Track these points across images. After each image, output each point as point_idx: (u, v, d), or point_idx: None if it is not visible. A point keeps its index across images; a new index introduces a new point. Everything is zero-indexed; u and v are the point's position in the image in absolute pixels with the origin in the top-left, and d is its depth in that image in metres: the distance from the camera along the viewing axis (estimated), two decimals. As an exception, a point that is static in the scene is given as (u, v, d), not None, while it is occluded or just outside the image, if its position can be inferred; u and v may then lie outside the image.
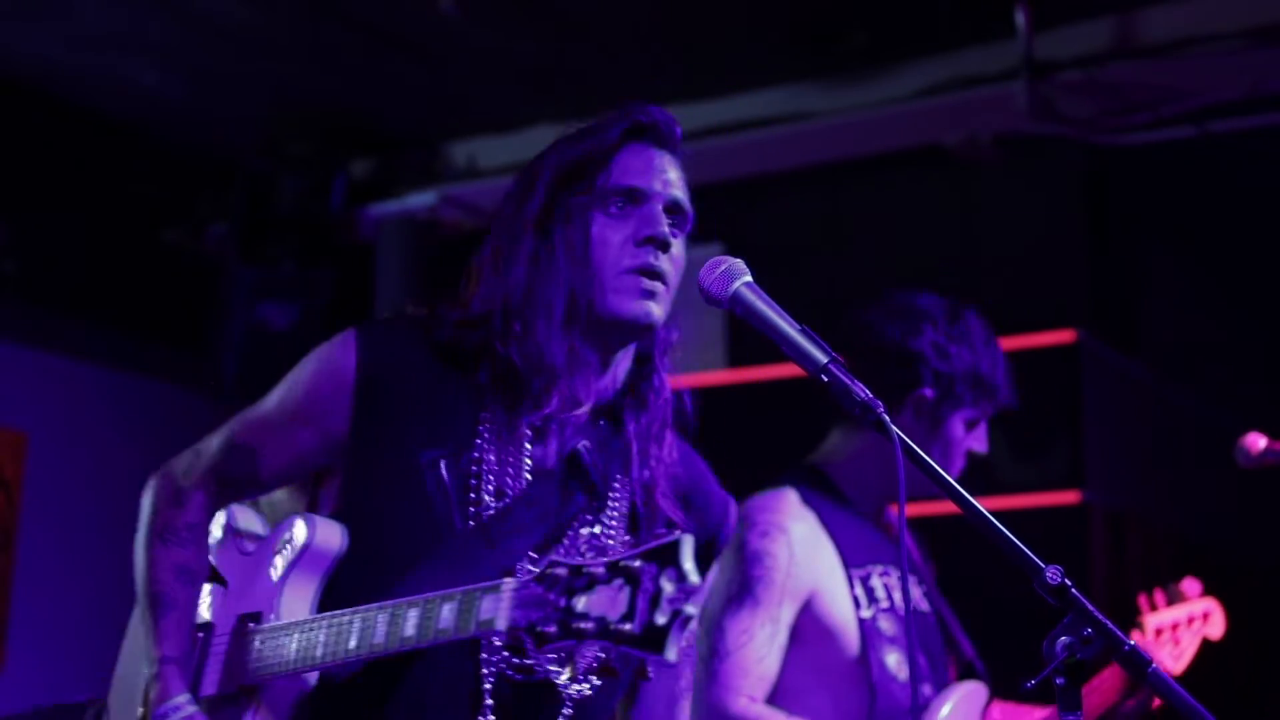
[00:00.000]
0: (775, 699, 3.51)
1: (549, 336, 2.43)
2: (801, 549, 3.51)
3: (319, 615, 2.36)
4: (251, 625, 2.46)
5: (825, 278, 6.24)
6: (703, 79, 6.31)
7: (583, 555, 2.02)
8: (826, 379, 2.26)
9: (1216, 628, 3.87)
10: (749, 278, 2.35)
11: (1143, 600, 3.82)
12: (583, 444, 2.46)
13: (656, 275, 2.44)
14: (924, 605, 3.79)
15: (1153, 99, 5.82)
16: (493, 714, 2.35)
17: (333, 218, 6.95)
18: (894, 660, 3.57)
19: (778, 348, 2.31)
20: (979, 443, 3.71)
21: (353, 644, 2.26)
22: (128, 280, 7.00)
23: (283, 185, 6.90)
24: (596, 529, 2.46)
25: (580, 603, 1.93)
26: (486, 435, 2.45)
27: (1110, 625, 2.08)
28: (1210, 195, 6.64)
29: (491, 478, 2.43)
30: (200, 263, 7.08)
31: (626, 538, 2.48)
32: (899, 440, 2.24)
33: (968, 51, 6.02)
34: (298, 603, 2.44)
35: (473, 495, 2.42)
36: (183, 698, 2.42)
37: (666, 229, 2.47)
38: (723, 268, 2.36)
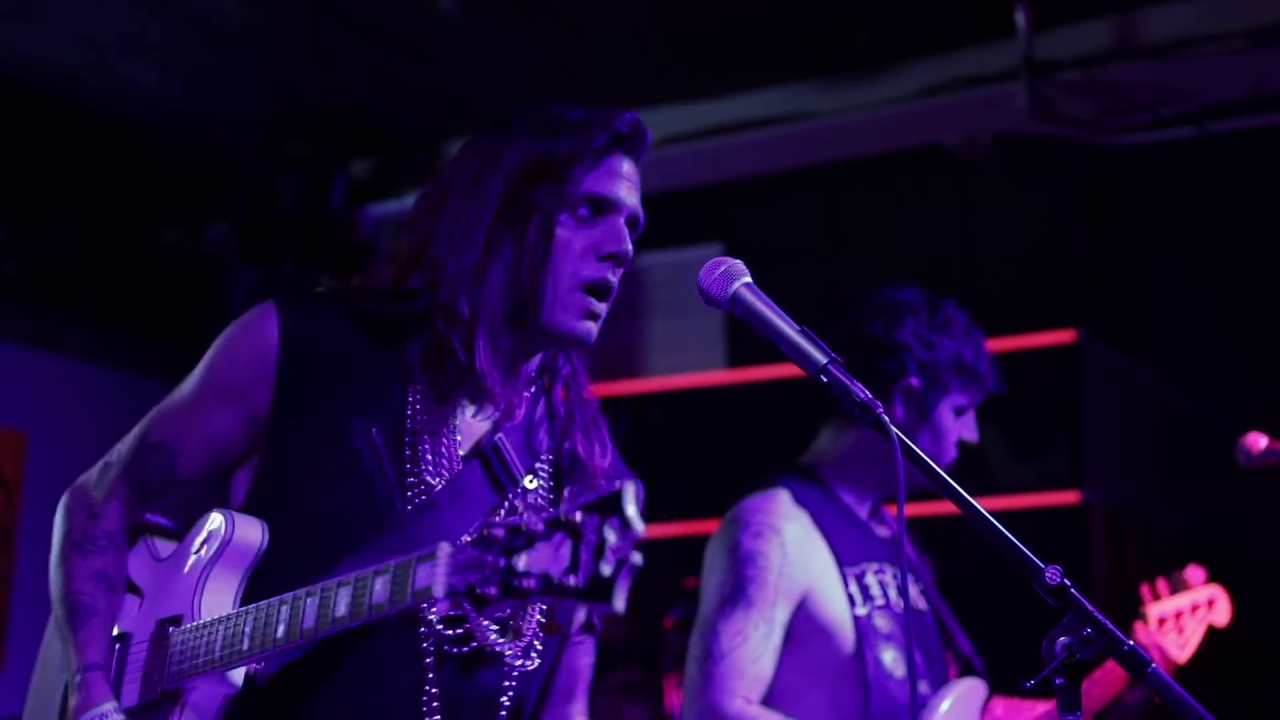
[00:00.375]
0: (770, 700, 3.51)
1: (488, 330, 2.38)
2: (794, 548, 3.52)
3: (243, 609, 2.29)
4: (171, 629, 2.38)
5: (825, 278, 6.24)
6: (703, 79, 6.31)
7: (521, 517, 1.97)
8: (826, 379, 2.27)
9: (1222, 614, 3.87)
10: (748, 278, 2.35)
11: (1145, 590, 3.82)
12: (498, 437, 2.42)
13: (606, 293, 2.43)
14: (921, 604, 3.80)
15: (1153, 99, 5.81)
16: (436, 699, 2.32)
17: (333, 218, 6.95)
18: (890, 657, 3.57)
19: (777, 348, 2.31)
20: (969, 431, 3.73)
21: (280, 632, 2.19)
22: (128, 280, 7.00)
23: (283, 185, 6.90)
24: (532, 485, 2.45)
25: (521, 561, 1.89)
26: (418, 407, 2.41)
27: (1110, 625, 2.08)
28: (1210, 195, 6.64)
29: (427, 448, 2.39)
30: (200, 263, 7.08)
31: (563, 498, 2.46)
32: (898, 440, 2.24)
33: (968, 51, 6.02)
34: (219, 602, 2.35)
35: (409, 466, 2.37)
36: (109, 705, 2.34)
37: (629, 246, 2.44)
38: (722, 268, 2.36)
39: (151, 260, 7.05)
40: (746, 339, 6.34)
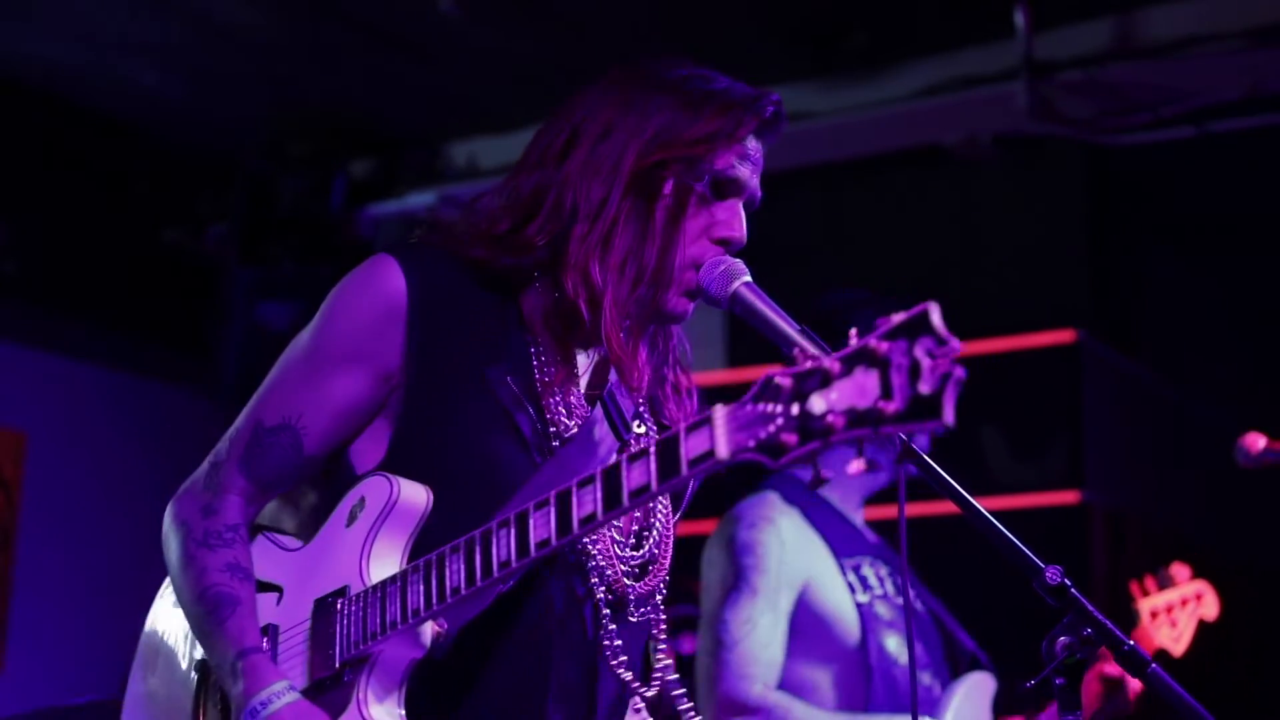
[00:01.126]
0: (781, 688, 3.53)
1: (614, 299, 2.31)
2: (790, 536, 3.56)
3: (416, 562, 2.19)
4: (339, 601, 2.26)
5: (825, 278, 6.24)
6: (703, 79, 6.30)
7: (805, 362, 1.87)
8: (826, 379, 2.26)
9: (1211, 608, 3.94)
10: (748, 277, 2.35)
11: (1135, 587, 3.87)
12: (610, 388, 2.34)
13: None
14: (917, 604, 3.81)
15: (1152, 99, 5.81)
16: (618, 645, 2.30)
17: (333, 218, 6.95)
18: (893, 644, 3.60)
19: (777, 348, 2.31)
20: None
21: (477, 577, 2.10)
22: (128, 280, 7.00)
23: (283, 185, 6.90)
24: (641, 430, 2.38)
25: (816, 403, 1.81)
26: (543, 358, 2.34)
27: (1110, 625, 2.08)
28: (1210, 195, 6.64)
29: (558, 398, 2.32)
30: (200, 263, 7.08)
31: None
32: (898, 439, 2.23)
33: (967, 51, 6.01)
34: (386, 567, 2.24)
35: (548, 416, 2.31)
36: (281, 684, 2.21)
37: (743, 233, 2.40)
38: (722, 268, 2.36)
39: (151, 260, 7.05)
40: (746, 339, 6.34)
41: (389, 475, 2.25)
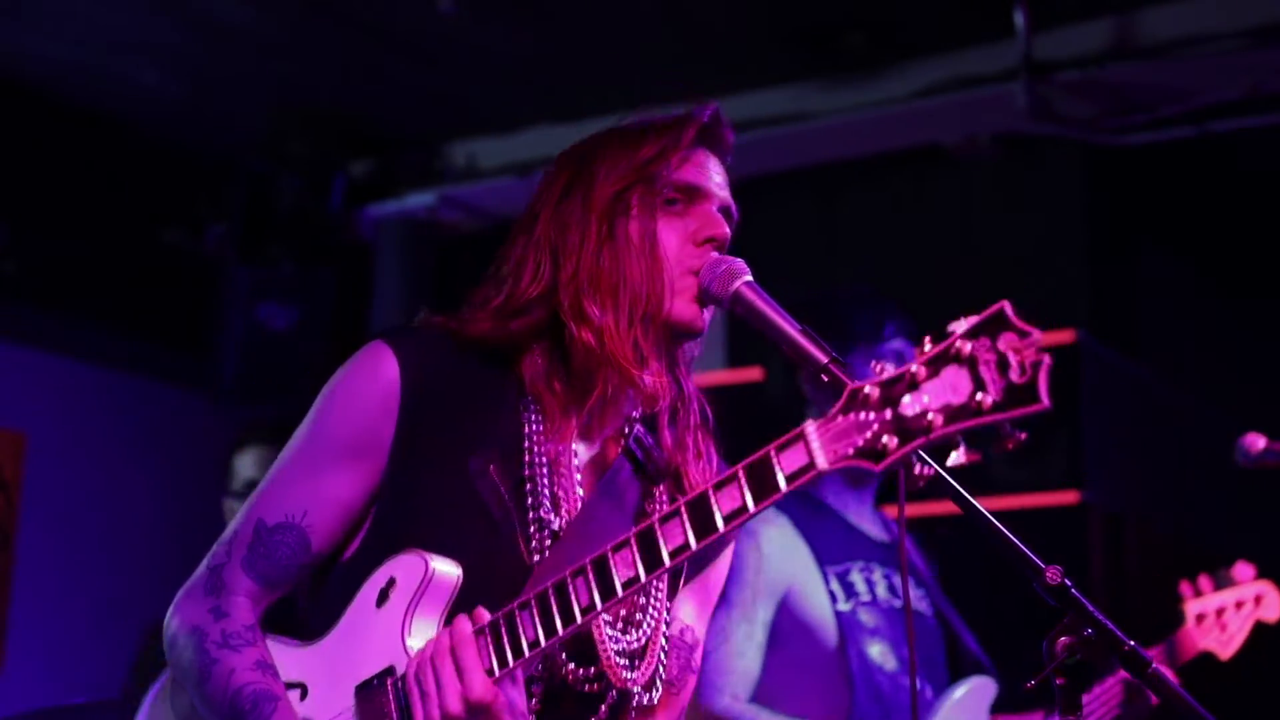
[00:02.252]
0: (758, 699, 3.53)
1: (619, 327, 2.32)
2: (771, 548, 3.57)
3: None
4: (389, 680, 2.23)
5: (824, 278, 6.24)
6: (702, 79, 6.30)
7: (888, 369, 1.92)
8: (827, 379, 2.26)
9: (1272, 610, 3.88)
10: (749, 277, 2.35)
11: (1185, 587, 3.83)
12: (636, 433, 2.38)
13: None
14: (922, 606, 3.81)
15: (1152, 99, 5.82)
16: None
17: (332, 218, 6.95)
18: (877, 651, 3.60)
19: (777, 347, 2.31)
20: None
21: (531, 635, 2.13)
22: (127, 280, 6.99)
23: (282, 185, 6.89)
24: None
25: (911, 405, 1.88)
26: (535, 427, 2.34)
27: (1111, 625, 2.08)
28: (1210, 195, 6.64)
29: (545, 480, 2.32)
30: (200, 263, 7.08)
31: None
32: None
33: (967, 52, 6.01)
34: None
35: (530, 500, 2.31)
36: None
37: (726, 230, 2.42)
38: (724, 267, 2.35)
39: (151, 260, 7.05)
40: (747, 339, 6.35)
41: (421, 552, 2.24)
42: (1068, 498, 5.74)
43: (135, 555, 6.70)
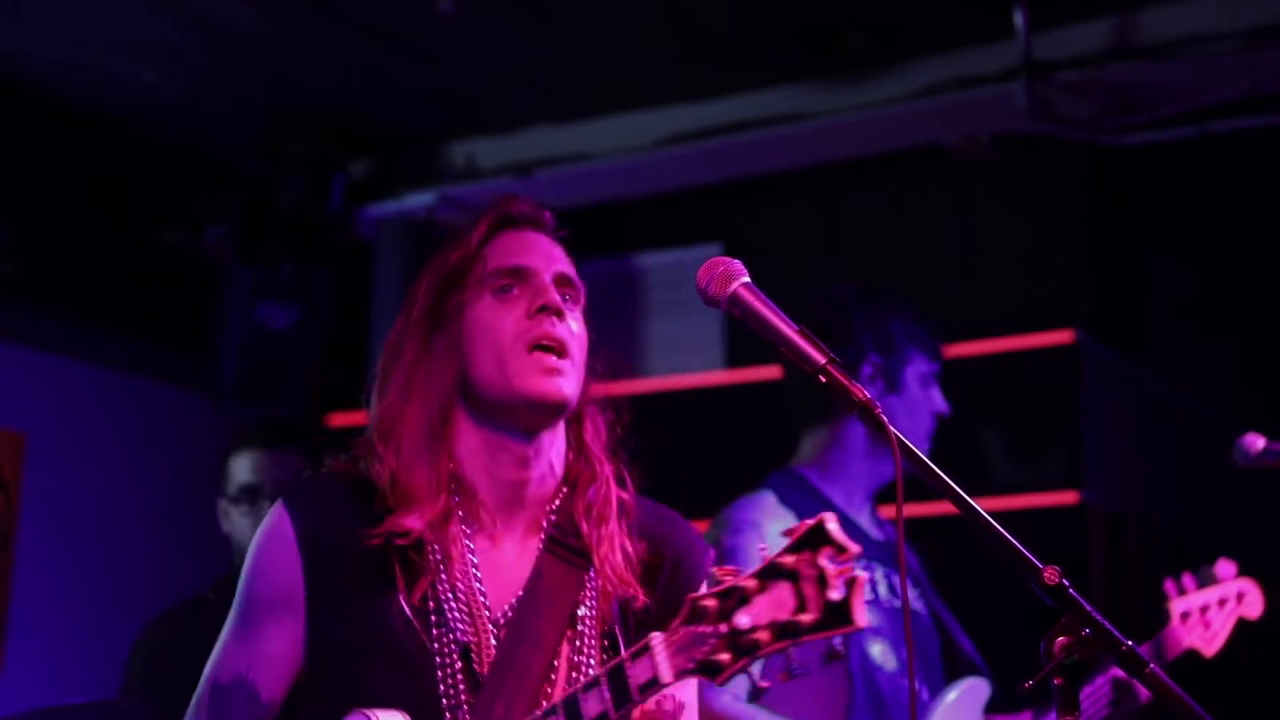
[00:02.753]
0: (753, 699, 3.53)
1: (415, 450, 2.38)
2: (775, 541, 3.55)
3: None
4: None
5: (824, 278, 6.24)
6: (702, 79, 6.31)
7: (722, 581, 1.96)
8: (825, 380, 2.26)
9: (1254, 607, 3.89)
10: (747, 278, 2.35)
11: (1169, 585, 3.84)
12: (551, 528, 2.41)
13: (555, 346, 2.41)
14: (917, 605, 3.81)
15: (1152, 99, 5.81)
16: None
17: (332, 218, 6.94)
18: (878, 650, 3.60)
19: (776, 348, 2.31)
20: (940, 403, 3.82)
21: None
22: (127, 280, 6.99)
23: (282, 185, 6.89)
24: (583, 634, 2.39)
25: (743, 620, 1.91)
26: (434, 560, 2.37)
27: (1108, 625, 2.08)
28: (1210, 195, 6.64)
29: (452, 605, 2.35)
30: (199, 263, 7.07)
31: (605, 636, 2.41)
32: (896, 438, 2.23)
33: (966, 51, 6.01)
34: None
35: (438, 631, 2.33)
36: None
37: (559, 298, 2.44)
38: (721, 268, 2.35)
39: (150, 260, 7.04)
40: (745, 340, 6.34)
41: (366, 711, 2.26)
42: (1068, 498, 5.74)
43: (135, 555, 6.69)
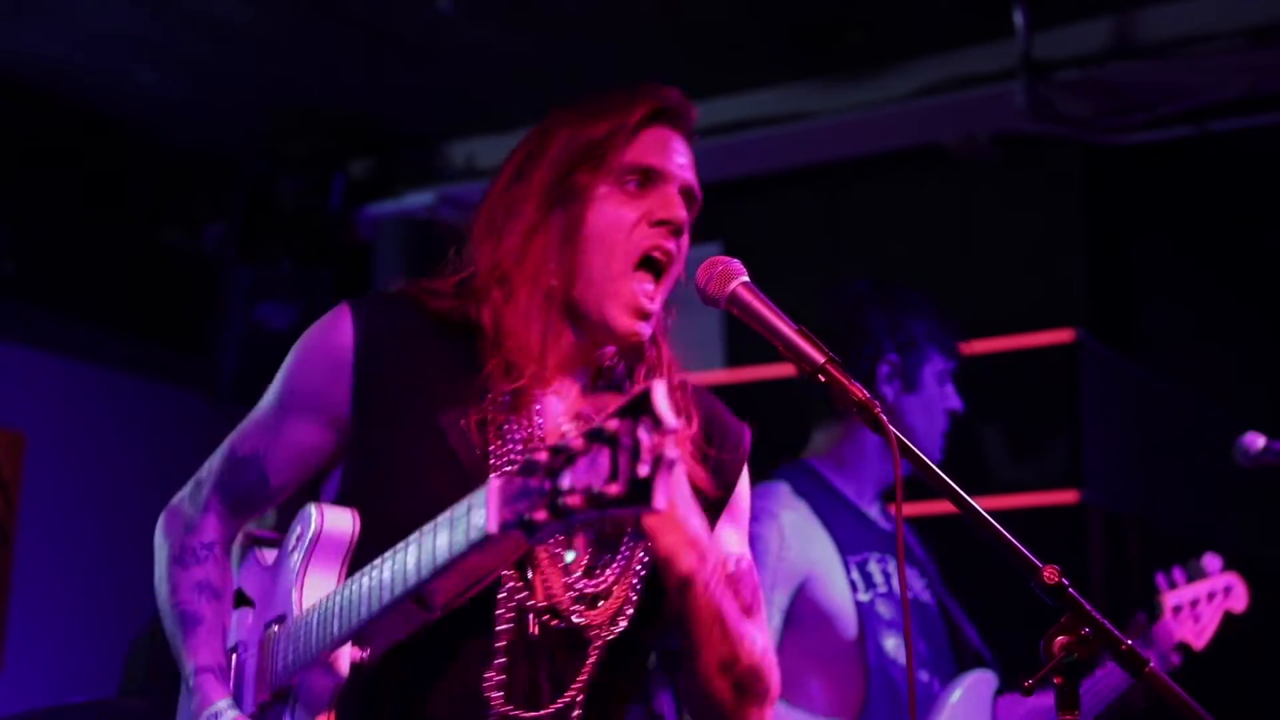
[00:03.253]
0: None
1: (529, 311, 2.34)
2: (792, 533, 3.57)
3: (330, 593, 2.24)
4: (275, 627, 2.35)
5: (824, 277, 6.23)
6: (702, 78, 6.30)
7: (563, 437, 1.90)
8: (824, 379, 2.26)
9: (1239, 601, 3.92)
10: (746, 277, 2.35)
11: (1160, 579, 3.86)
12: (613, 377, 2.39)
13: (662, 262, 2.37)
14: (925, 597, 3.82)
15: (1152, 99, 5.81)
16: (505, 668, 2.27)
17: (331, 217, 6.95)
18: (892, 644, 3.60)
19: (775, 348, 2.31)
20: (955, 400, 3.82)
21: (363, 609, 2.14)
22: (126, 280, 6.99)
23: (281, 185, 6.90)
24: None
25: (565, 480, 1.80)
26: (501, 399, 2.34)
27: (1108, 624, 2.08)
28: (1209, 195, 6.64)
29: (516, 436, 2.33)
30: (199, 263, 7.08)
31: None
32: (895, 437, 2.23)
33: (966, 51, 6.01)
34: (319, 595, 2.29)
35: (498, 447, 2.32)
36: (224, 702, 2.33)
37: (684, 213, 2.40)
38: (720, 267, 2.35)
39: (150, 260, 7.05)
40: (745, 339, 6.34)
41: (317, 504, 2.33)
42: (1068, 497, 5.74)
43: (134, 555, 6.68)
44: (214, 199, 7.03)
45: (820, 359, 2.26)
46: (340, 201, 6.95)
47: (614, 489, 1.75)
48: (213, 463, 2.52)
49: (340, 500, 2.39)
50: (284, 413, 2.43)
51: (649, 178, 2.39)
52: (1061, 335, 5.85)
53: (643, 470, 1.73)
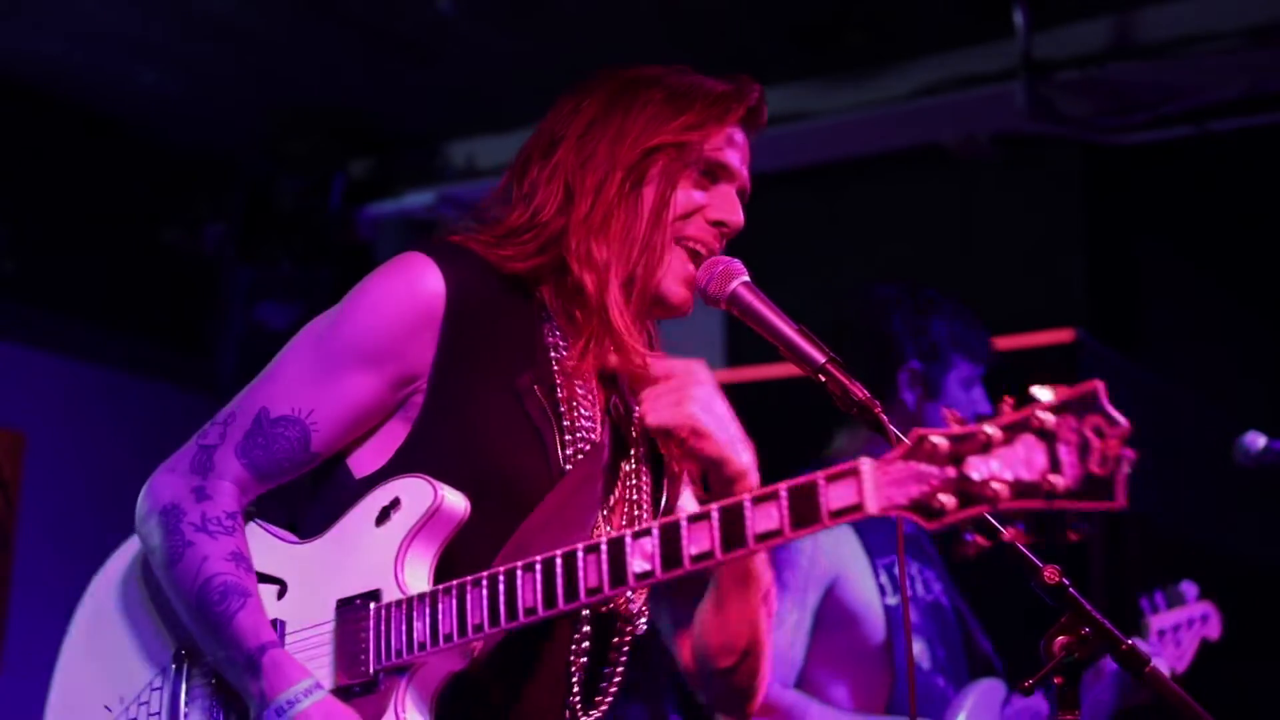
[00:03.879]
0: (797, 687, 3.53)
1: (618, 279, 2.31)
2: (824, 535, 3.54)
3: (481, 577, 2.14)
4: (373, 604, 2.19)
5: (824, 277, 6.24)
6: (702, 79, 6.30)
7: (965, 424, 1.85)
8: (824, 379, 2.26)
9: (1214, 629, 3.94)
10: (747, 277, 2.35)
11: (1145, 603, 3.87)
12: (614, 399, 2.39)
13: (703, 259, 2.38)
14: (944, 601, 3.82)
15: (1152, 99, 5.81)
16: (585, 646, 2.29)
17: (331, 217, 6.95)
18: (916, 649, 3.60)
19: (775, 348, 2.31)
20: (983, 403, 3.79)
21: (540, 609, 2.09)
22: (127, 280, 6.99)
23: (281, 185, 6.90)
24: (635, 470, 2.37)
25: (977, 468, 1.79)
26: (563, 354, 2.32)
27: (1108, 624, 2.08)
28: (1209, 195, 6.64)
29: (579, 400, 2.31)
30: (199, 262, 7.08)
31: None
32: (896, 437, 2.23)
33: (966, 51, 6.01)
34: (418, 574, 2.19)
35: (567, 423, 2.29)
36: (308, 681, 2.16)
37: (740, 217, 2.42)
38: (721, 267, 2.35)
39: (150, 260, 7.04)
40: (745, 339, 6.34)
41: (430, 480, 2.20)
42: (1067, 497, 5.73)
43: (135, 555, 6.70)
44: (214, 199, 7.03)
45: (821, 359, 2.26)
46: (340, 201, 6.95)
47: (1061, 481, 1.74)
48: (226, 425, 2.31)
49: (398, 462, 2.26)
50: (344, 364, 2.26)
51: (719, 174, 2.41)
52: (1061, 335, 5.85)
53: (1097, 468, 1.74)
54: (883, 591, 3.59)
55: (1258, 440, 3.42)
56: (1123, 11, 5.76)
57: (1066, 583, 2.09)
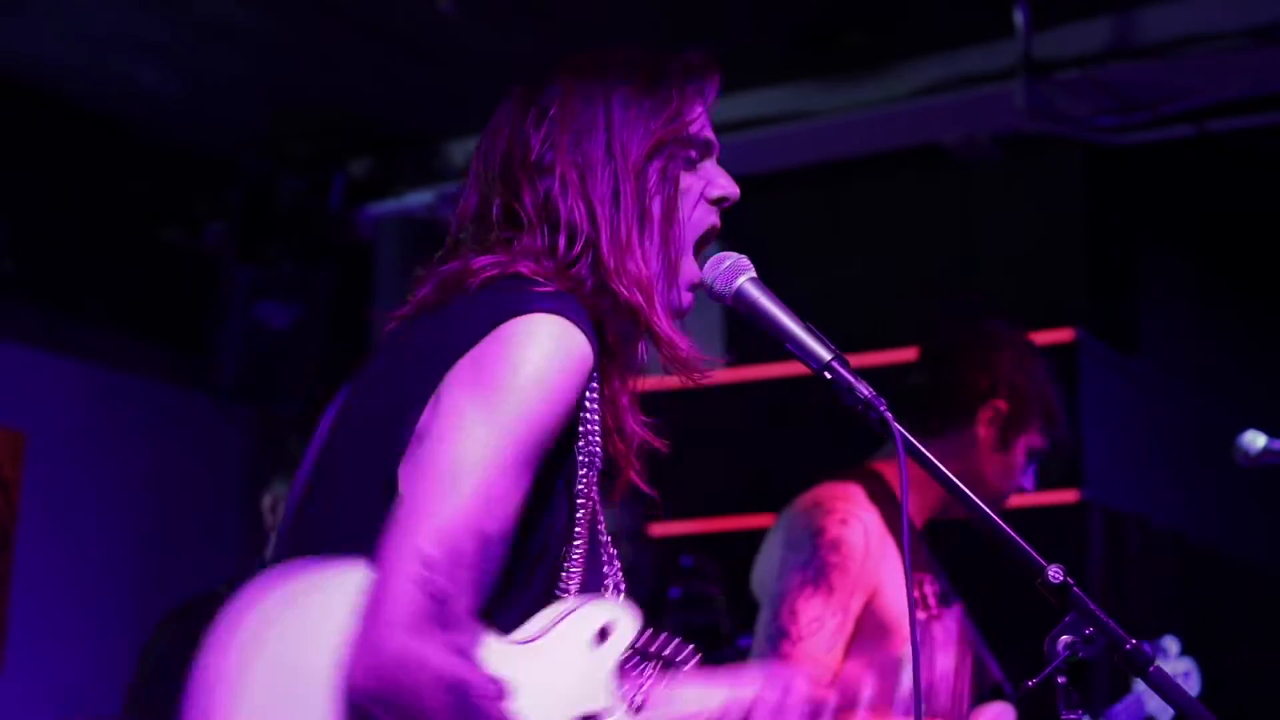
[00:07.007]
0: None
1: (659, 286, 2.21)
2: (874, 541, 3.51)
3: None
4: None
5: (824, 277, 6.24)
6: (702, 78, 6.30)
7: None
8: (830, 376, 2.25)
9: (1193, 686, 3.96)
10: (753, 273, 2.33)
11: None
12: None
13: (709, 241, 2.32)
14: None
15: (1151, 98, 5.81)
16: None
17: (331, 217, 6.95)
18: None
19: (780, 345, 2.30)
20: (1029, 482, 3.75)
21: None
22: (126, 280, 6.99)
23: (281, 185, 6.90)
24: None
25: None
26: (593, 404, 2.16)
27: (1112, 624, 2.08)
28: (1209, 195, 6.65)
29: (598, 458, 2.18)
30: (199, 262, 7.08)
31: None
32: (901, 437, 2.22)
33: (966, 50, 6.01)
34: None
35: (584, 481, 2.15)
36: None
37: (737, 188, 2.32)
38: (727, 263, 2.34)
39: (150, 260, 7.04)
40: (746, 338, 6.34)
41: (625, 609, 2.14)
42: (1068, 497, 5.73)
43: (135, 555, 6.69)
44: (214, 198, 7.03)
45: (826, 356, 2.25)
46: (340, 201, 6.95)
47: None
48: (451, 563, 1.93)
49: (545, 537, 2.10)
50: (529, 460, 2.02)
51: (707, 151, 2.31)
52: (1061, 335, 5.85)
53: None
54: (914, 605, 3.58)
55: (1257, 440, 3.42)
56: (1123, 11, 5.76)
57: (1070, 582, 2.09)
